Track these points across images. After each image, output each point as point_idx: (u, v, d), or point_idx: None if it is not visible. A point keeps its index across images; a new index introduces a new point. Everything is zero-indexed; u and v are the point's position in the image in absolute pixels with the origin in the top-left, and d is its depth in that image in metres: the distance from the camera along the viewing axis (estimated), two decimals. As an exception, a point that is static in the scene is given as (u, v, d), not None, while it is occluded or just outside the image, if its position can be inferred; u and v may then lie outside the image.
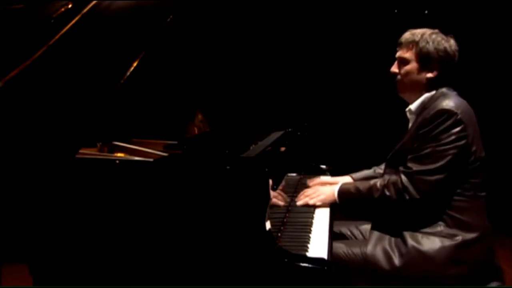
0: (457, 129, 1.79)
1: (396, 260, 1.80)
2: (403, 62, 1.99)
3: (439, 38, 1.94)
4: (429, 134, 1.81)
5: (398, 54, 2.02)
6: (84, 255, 1.62)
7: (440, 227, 1.82)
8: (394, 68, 2.03)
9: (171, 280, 1.53)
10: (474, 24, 4.38)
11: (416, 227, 1.84)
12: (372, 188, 1.91)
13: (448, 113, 1.80)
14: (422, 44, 1.93)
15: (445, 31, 1.99)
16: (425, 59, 1.93)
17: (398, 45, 2.02)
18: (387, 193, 1.85)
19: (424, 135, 1.82)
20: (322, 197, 2.07)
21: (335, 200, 2.05)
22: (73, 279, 1.64)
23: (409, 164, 1.83)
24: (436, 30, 1.98)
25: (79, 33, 1.99)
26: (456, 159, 1.79)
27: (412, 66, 1.96)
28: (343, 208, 2.07)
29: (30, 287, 1.70)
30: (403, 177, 1.82)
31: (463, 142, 1.79)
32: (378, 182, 1.90)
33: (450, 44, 1.95)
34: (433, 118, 1.81)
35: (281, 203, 1.92)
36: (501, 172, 4.18)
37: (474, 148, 1.83)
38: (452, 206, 1.82)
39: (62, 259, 1.65)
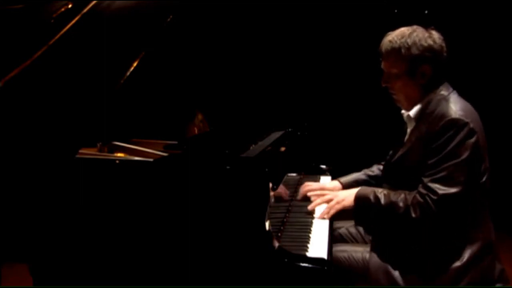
0: (472, 140, 1.66)
1: (400, 281, 1.74)
2: (391, 74, 1.84)
3: (420, 36, 1.77)
4: (444, 149, 1.67)
5: (383, 66, 1.87)
6: (84, 255, 1.62)
7: (448, 245, 1.73)
8: (384, 83, 1.88)
9: (171, 280, 1.53)
10: (474, 24, 4.38)
11: (425, 246, 1.74)
12: (394, 205, 1.75)
13: (459, 123, 1.66)
14: (404, 50, 1.77)
15: (445, 31, 1.90)
16: (412, 65, 1.78)
17: (379, 55, 1.86)
18: (413, 214, 1.70)
19: (438, 150, 1.68)
20: (340, 206, 1.94)
21: (352, 207, 1.91)
22: (73, 279, 1.64)
23: (432, 186, 1.67)
24: (414, 27, 1.81)
25: (79, 33, 1.99)
26: (474, 172, 1.68)
27: (402, 77, 1.81)
28: (356, 215, 1.94)
29: (30, 287, 1.70)
30: (429, 200, 1.67)
31: (479, 153, 1.68)
32: (400, 200, 1.74)
33: (434, 38, 1.78)
34: (444, 130, 1.67)
35: (284, 195, 1.88)
36: (502, 171, 4.17)
37: (484, 157, 1.72)
38: (461, 222, 1.72)
39: (62, 259, 1.65)
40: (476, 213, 1.75)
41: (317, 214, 2.02)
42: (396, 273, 1.76)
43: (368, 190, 1.89)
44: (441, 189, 1.66)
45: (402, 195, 1.76)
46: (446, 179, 1.66)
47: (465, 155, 1.65)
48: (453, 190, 1.66)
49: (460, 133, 1.66)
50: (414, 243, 1.77)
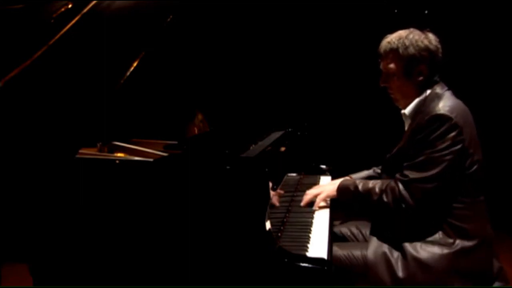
0: (453, 133, 1.73)
1: (400, 273, 1.77)
2: (389, 74, 1.91)
3: (416, 37, 1.86)
4: (424, 141, 1.75)
5: (381, 66, 1.95)
6: (84, 255, 1.62)
7: (439, 235, 1.78)
8: (383, 83, 1.96)
9: (171, 280, 1.53)
10: (474, 24, 4.38)
11: (415, 235, 1.80)
12: (371, 191, 1.86)
13: (442, 118, 1.74)
14: (401, 50, 1.85)
15: (444, 31, 1.94)
16: (409, 65, 1.86)
17: (378, 56, 1.95)
18: (385, 199, 1.81)
19: (419, 142, 1.77)
20: (323, 194, 2.08)
21: (335, 196, 2.04)
22: (73, 279, 1.64)
23: (406, 172, 1.78)
24: (411, 29, 1.90)
25: (79, 33, 1.99)
26: (452, 164, 1.73)
27: (400, 77, 1.89)
28: (344, 205, 2.04)
29: (30, 287, 1.70)
30: (400, 185, 1.78)
31: (459, 146, 1.73)
32: (377, 186, 1.85)
33: (430, 39, 1.86)
34: (428, 124, 1.75)
35: (277, 203, 1.91)
36: (502, 171, 4.18)
37: (471, 151, 1.77)
38: (450, 213, 1.78)
39: (62, 259, 1.65)
40: (467, 205, 1.78)
41: (317, 215, 2.02)
42: (394, 254, 1.81)
43: (349, 181, 2.03)
44: (412, 174, 1.77)
45: (379, 183, 1.88)
46: (419, 166, 1.76)
47: (442, 146, 1.74)
48: (422, 175, 1.75)
49: (442, 127, 1.74)
50: (391, 228, 1.86)
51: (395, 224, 1.86)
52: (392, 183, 1.81)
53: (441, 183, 1.74)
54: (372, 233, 1.97)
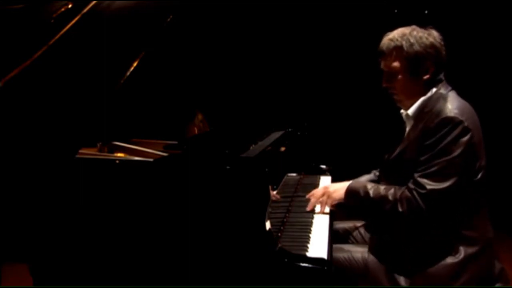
0: (466, 138, 1.66)
1: (402, 281, 1.74)
2: (393, 73, 1.83)
3: (420, 34, 1.79)
4: (436, 146, 1.68)
5: (383, 65, 1.86)
6: (84, 255, 1.62)
7: (441, 242, 1.74)
8: (386, 82, 1.87)
9: (171, 280, 1.53)
10: (474, 24, 4.38)
11: (416, 240, 1.76)
12: (383, 198, 1.77)
13: (453, 121, 1.67)
14: (406, 47, 1.78)
15: (445, 31, 1.92)
16: (415, 62, 1.78)
17: (380, 55, 1.86)
18: (400, 209, 1.71)
19: (431, 147, 1.69)
20: (331, 200, 1.99)
21: (342, 200, 1.96)
22: (73, 279, 1.64)
23: (421, 181, 1.69)
24: (413, 26, 1.83)
25: (79, 33, 1.99)
26: (466, 171, 1.69)
27: (405, 75, 1.81)
28: (347, 208, 1.98)
29: (30, 287, 1.70)
30: (416, 195, 1.68)
31: (472, 151, 1.68)
32: (390, 194, 1.76)
33: (434, 36, 1.80)
34: (439, 127, 1.68)
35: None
36: (502, 171, 4.17)
37: (479, 156, 1.73)
38: (454, 220, 1.73)
39: (62, 259, 1.65)
40: (472, 212, 1.74)
41: (317, 215, 2.02)
42: (396, 263, 1.77)
43: (359, 184, 1.92)
44: (429, 184, 1.68)
45: (392, 190, 1.77)
46: (436, 175, 1.68)
47: (457, 152, 1.66)
48: (441, 185, 1.67)
49: (454, 131, 1.67)
50: (403, 237, 1.78)
51: (395, 229, 1.81)
52: (407, 192, 1.72)
53: (457, 190, 1.68)
54: (371, 237, 1.95)
